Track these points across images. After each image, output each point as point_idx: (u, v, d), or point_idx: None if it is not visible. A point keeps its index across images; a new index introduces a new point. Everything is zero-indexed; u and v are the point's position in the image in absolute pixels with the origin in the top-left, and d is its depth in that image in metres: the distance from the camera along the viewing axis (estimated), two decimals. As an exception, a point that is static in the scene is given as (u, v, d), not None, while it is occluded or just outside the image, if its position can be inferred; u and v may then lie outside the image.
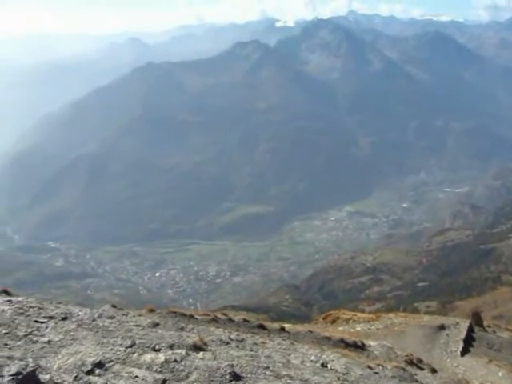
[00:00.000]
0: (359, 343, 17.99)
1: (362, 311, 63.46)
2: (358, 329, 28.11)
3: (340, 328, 28.20)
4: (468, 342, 26.72)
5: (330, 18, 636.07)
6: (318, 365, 11.36)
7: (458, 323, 29.68)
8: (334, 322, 31.25)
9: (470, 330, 28.79)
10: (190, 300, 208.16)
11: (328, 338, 17.22)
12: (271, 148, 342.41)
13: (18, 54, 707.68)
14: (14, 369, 5.89)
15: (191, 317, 14.89)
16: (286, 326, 19.18)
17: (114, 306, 12.62)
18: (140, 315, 12.33)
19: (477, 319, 31.12)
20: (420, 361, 18.72)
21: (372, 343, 19.27)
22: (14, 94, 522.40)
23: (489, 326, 32.08)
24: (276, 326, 17.82)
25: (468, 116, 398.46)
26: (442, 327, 28.15)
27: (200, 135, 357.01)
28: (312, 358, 11.87)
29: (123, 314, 11.46)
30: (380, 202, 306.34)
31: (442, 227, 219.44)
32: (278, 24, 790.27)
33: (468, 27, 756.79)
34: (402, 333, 26.76)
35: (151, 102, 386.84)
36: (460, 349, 25.10)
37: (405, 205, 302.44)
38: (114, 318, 10.36)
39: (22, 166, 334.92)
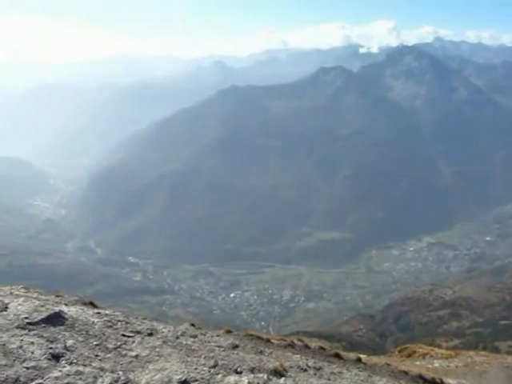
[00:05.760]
0: (438, 380, 17.43)
1: (439, 346, 61.29)
2: (436, 365, 27.22)
3: (417, 363, 27.42)
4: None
5: (415, 45, 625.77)
6: (396, 399, 11.16)
7: (544, 366, 28.15)
8: (410, 355, 30.45)
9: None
10: (263, 323, 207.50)
11: (406, 373, 16.77)
12: (351, 174, 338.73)
13: (113, 74, 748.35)
14: (106, 381, 6.19)
15: (267, 341, 14.93)
16: (362, 356, 18.88)
17: (192, 325, 12.88)
18: (218, 335, 12.53)
19: None
20: (502, 404, 17.97)
21: (451, 381, 18.67)
22: (108, 111, 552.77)
23: None
24: (352, 356, 17.54)
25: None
26: (526, 370, 26.80)
27: (279, 159, 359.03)
28: (391, 392, 11.67)
29: (201, 334, 11.69)
30: (462, 234, 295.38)
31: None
32: (361, 50, 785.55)
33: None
34: (484, 373, 25.66)
35: (233, 124, 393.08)
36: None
37: (488, 238, 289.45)
38: (196, 336, 10.61)
39: (107, 181, 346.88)
